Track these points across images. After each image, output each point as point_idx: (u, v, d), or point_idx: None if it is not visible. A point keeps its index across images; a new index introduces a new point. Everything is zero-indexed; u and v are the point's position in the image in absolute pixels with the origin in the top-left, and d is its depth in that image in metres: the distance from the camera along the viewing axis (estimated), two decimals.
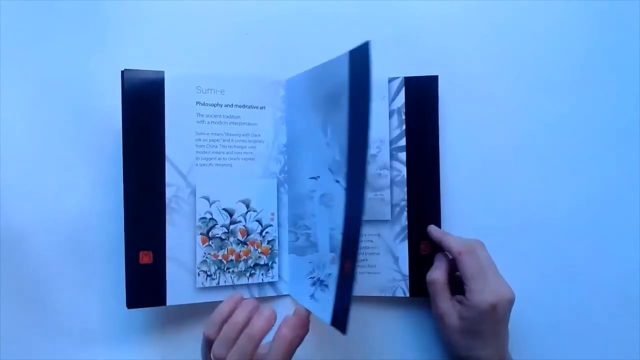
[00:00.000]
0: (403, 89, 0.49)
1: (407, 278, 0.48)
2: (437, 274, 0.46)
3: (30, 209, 0.49)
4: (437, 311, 0.46)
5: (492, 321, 0.43)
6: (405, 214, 0.49)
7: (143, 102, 0.46)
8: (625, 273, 0.50)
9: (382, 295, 0.49)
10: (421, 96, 0.48)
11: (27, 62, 0.50)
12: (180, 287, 0.47)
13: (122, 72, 0.46)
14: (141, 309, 0.48)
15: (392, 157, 0.49)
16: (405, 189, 0.49)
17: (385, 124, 0.49)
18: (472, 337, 0.43)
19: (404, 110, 0.49)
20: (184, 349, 0.50)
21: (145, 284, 0.46)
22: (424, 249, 0.48)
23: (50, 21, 0.50)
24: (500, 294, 0.42)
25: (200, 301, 0.48)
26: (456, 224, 0.50)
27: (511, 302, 0.43)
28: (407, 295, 0.48)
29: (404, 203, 0.49)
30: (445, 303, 0.45)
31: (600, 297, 0.49)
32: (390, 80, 0.49)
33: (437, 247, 0.47)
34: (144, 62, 0.50)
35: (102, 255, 0.50)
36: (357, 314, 0.50)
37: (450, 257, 0.46)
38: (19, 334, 0.49)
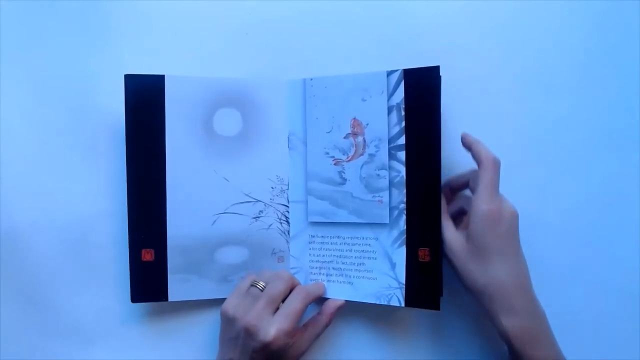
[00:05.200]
0: (402, 83, 0.46)
1: (404, 286, 0.46)
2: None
3: (30, 209, 0.50)
4: (445, 243, 0.44)
5: (496, 234, 0.42)
6: (404, 217, 0.46)
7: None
8: (626, 273, 0.50)
9: (377, 303, 0.47)
10: (422, 89, 0.45)
11: (27, 62, 0.50)
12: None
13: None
14: (142, 309, 0.49)
15: (391, 156, 0.46)
16: (404, 190, 0.46)
17: (384, 121, 0.47)
18: (479, 255, 0.42)
19: (404, 105, 0.46)
20: (184, 349, 0.50)
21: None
22: (422, 256, 0.45)
23: (50, 21, 0.51)
24: (503, 206, 0.42)
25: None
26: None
27: (515, 217, 0.42)
28: (402, 304, 0.46)
29: (403, 206, 0.46)
30: (451, 230, 0.44)
31: (600, 297, 0.49)
32: (389, 73, 0.46)
33: (437, 253, 0.45)
34: (144, 62, 0.50)
35: (102, 255, 0.50)
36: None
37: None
38: (19, 334, 0.49)
